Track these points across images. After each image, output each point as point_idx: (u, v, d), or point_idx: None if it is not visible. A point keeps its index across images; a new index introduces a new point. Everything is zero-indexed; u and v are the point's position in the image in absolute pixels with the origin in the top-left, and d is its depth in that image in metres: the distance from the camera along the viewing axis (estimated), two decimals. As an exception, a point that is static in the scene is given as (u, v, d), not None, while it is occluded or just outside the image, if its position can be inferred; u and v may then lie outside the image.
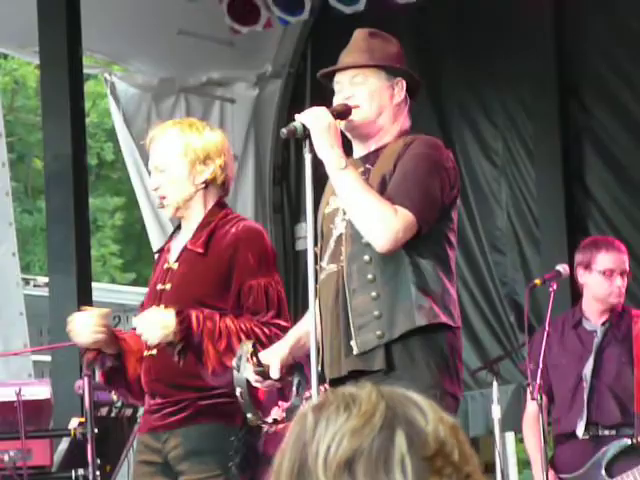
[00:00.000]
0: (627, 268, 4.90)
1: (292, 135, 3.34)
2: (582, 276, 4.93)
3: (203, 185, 3.69)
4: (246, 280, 3.61)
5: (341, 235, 3.46)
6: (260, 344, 3.60)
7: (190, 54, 7.14)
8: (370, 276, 3.36)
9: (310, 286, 3.30)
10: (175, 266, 3.70)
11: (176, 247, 3.80)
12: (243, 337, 3.58)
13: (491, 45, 7.02)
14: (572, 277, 5.11)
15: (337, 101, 3.45)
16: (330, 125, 3.34)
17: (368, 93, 3.47)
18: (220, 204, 3.76)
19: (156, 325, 3.60)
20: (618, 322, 4.92)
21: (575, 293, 5.19)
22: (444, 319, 3.38)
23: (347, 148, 3.57)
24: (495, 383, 5.05)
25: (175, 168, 3.71)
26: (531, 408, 4.92)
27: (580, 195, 6.86)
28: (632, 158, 6.69)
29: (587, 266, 4.90)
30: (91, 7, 6.05)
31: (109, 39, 6.78)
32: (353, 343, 3.34)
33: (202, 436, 3.78)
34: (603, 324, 4.89)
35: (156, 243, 6.86)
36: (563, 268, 4.85)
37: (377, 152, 3.48)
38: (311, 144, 3.32)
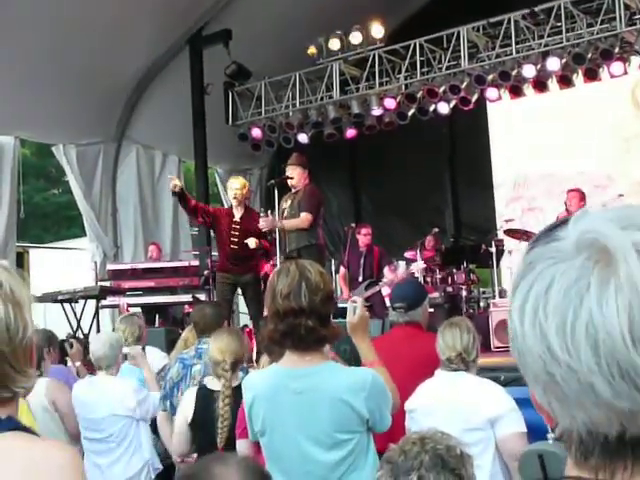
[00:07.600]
0: (370, 231, 9.62)
1: (270, 184, 7.28)
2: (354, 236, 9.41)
3: None
4: None
5: (285, 218, 7.18)
6: None
7: (238, 159, 13.74)
8: (295, 232, 7.17)
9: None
10: None
11: None
12: None
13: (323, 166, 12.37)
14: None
15: (288, 174, 7.20)
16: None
17: (297, 174, 7.17)
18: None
19: None
20: (371, 249, 9.53)
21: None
22: (318, 242, 7.27)
23: (287, 190, 7.26)
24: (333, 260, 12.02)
25: None
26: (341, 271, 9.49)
27: (358, 202, 13.97)
28: (384, 191, 13.10)
29: (358, 233, 9.59)
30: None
31: (219, 156, 13.10)
32: (288, 250, 7.19)
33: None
34: (365, 250, 9.56)
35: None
36: (354, 224, 9.92)
37: (297, 192, 7.22)
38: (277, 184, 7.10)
